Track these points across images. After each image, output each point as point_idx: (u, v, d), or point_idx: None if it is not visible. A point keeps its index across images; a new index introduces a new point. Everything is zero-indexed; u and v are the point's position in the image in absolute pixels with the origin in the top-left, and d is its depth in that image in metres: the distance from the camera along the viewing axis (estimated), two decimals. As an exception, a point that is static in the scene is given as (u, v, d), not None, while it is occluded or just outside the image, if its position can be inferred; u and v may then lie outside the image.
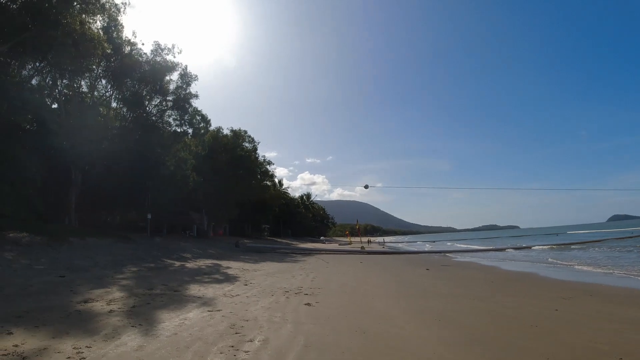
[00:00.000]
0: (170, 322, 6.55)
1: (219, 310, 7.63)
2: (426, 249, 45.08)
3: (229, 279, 13.35)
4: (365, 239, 75.04)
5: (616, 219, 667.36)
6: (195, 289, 10.49)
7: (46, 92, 30.40)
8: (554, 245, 40.11)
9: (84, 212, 32.42)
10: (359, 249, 40.69)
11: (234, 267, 18.20)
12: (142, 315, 7.00)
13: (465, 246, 47.91)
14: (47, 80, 29.41)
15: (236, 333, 5.93)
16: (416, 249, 46.21)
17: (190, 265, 18.49)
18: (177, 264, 18.74)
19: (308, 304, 8.57)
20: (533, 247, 37.94)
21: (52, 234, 19.87)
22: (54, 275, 11.55)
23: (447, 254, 33.78)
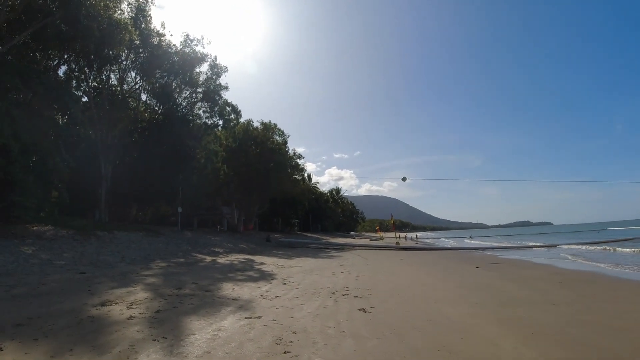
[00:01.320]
0: (202, 333, 5.26)
1: (259, 317, 6.31)
2: (463, 245, 42.93)
3: (265, 276, 12.08)
4: (401, 235, 73.07)
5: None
6: (229, 289, 9.25)
7: (74, 84, 30.07)
8: (596, 242, 37.19)
9: (115, 206, 32.01)
10: (394, 244, 38.94)
11: (267, 262, 17.00)
12: (167, 323, 5.75)
13: (503, 244, 45.32)
14: (75, 71, 29.01)
15: (285, 352, 4.56)
16: (452, 246, 44.08)
17: (221, 260, 17.41)
18: (208, 259, 17.69)
19: (363, 310, 7.15)
20: (577, 245, 35.20)
21: (79, 227, 19.25)
22: (73, 272, 10.57)
23: (488, 251, 31.72)
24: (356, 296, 8.68)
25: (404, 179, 35.77)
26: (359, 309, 7.22)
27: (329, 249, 33.81)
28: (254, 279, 11.27)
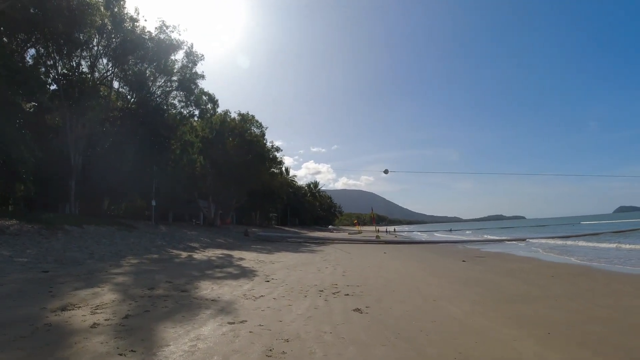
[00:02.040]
0: (177, 344, 4.46)
1: (243, 322, 5.54)
2: (442, 239, 42.96)
3: (246, 273, 11.27)
4: (382, 229, 72.95)
5: (623, 210, 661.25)
6: (207, 288, 8.42)
7: (42, 70, 28.38)
8: (571, 235, 37.77)
9: (86, 199, 30.50)
10: (374, 238, 38.63)
11: (247, 258, 16.17)
12: (136, 331, 4.92)
13: (483, 236, 45.63)
14: (43, 56, 27.33)
15: (279, 367, 3.84)
16: (432, 239, 44.08)
17: (198, 256, 16.48)
18: (184, 254, 16.73)
19: (358, 310, 6.47)
20: (552, 238, 35.58)
21: (46, 221, 18.02)
22: (36, 271, 9.53)
23: (467, 244, 31.71)
24: (347, 294, 8.00)
25: (386, 172, 35.34)
26: (353, 310, 6.53)
27: (309, 243, 33.15)
28: (235, 277, 10.45)
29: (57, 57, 28.03)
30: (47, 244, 14.09)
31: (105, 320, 5.39)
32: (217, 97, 36.30)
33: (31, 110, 30.40)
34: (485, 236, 44.40)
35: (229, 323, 5.47)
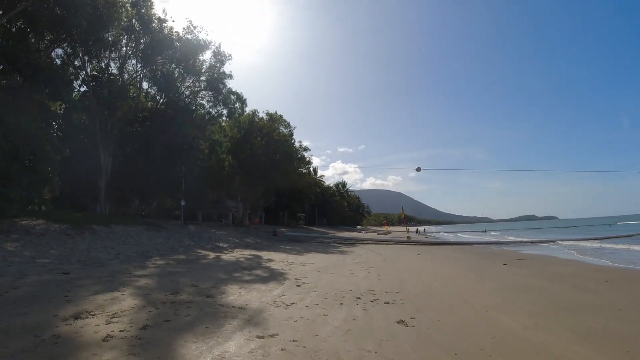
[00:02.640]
0: (198, 364, 3.82)
1: (274, 336, 4.86)
2: (474, 240, 41.36)
3: (275, 276, 10.63)
4: (412, 229, 71.59)
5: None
6: (234, 292, 7.81)
7: (71, 71, 28.72)
8: (615, 237, 35.61)
9: (116, 200, 30.77)
10: (405, 238, 37.49)
11: (276, 259, 15.56)
12: (153, 346, 4.31)
13: (519, 238, 43.71)
14: (71, 56, 27.63)
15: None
16: (464, 240, 42.52)
17: (226, 257, 15.99)
18: (212, 255, 16.28)
19: (403, 323, 5.70)
20: (593, 239, 33.57)
21: (73, 221, 17.93)
22: (56, 272, 9.16)
23: (501, 245, 30.27)
24: (387, 302, 7.22)
25: (418, 169, 34.22)
26: (397, 322, 5.76)
27: (338, 243, 32.39)
28: (263, 280, 9.82)
29: (86, 58, 28.34)
30: (72, 244, 13.87)
31: (120, 331, 4.81)
32: (245, 97, 35.88)
33: (60, 111, 30.93)
34: (522, 237, 42.55)
35: (258, 337, 4.80)
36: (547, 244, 30.30)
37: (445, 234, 71.74)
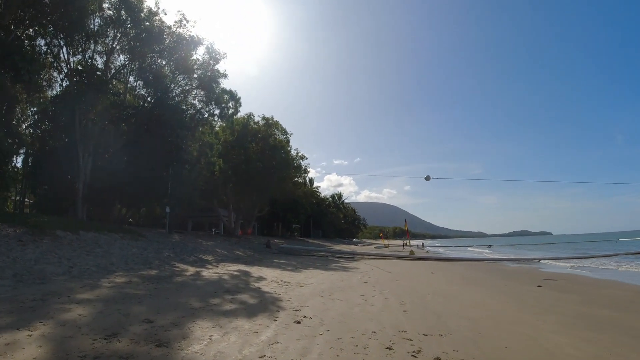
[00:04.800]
0: None
1: None
2: (480, 256, 38.82)
3: (266, 304, 7.98)
4: (414, 243, 69.08)
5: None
6: (202, 337, 5.20)
7: (54, 63, 26.32)
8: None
9: (95, 203, 28.00)
10: (408, 253, 34.92)
11: (269, 277, 12.93)
12: None
13: (532, 254, 41.15)
14: (54, 50, 25.28)
15: None
16: (471, 256, 39.94)
17: (208, 273, 13.32)
18: (191, 270, 13.62)
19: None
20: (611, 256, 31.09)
21: (34, 225, 15.28)
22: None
23: (511, 263, 27.75)
24: (438, 359, 4.66)
25: (427, 178, 31.77)
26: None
27: (336, 257, 29.74)
28: (249, 311, 7.17)
29: (69, 50, 25.94)
30: (19, 252, 11.18)
31: None
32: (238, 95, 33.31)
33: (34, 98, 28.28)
34: (533, 254, 39.98)
35: None
36: (568, 261, 27.72)
37: (441, 249, 69.26)
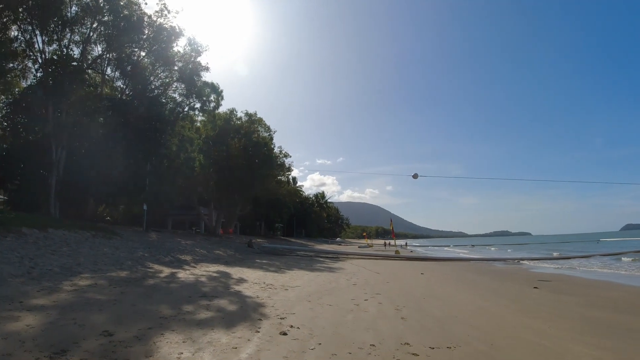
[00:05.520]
0: None
1: None
2: (467, 256, 38.51)
3: (247, 310, 7.08)
4: (400, 242, 68.76)
5: (629, 228, 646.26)
6: (169, 356, 4.30)
7: (28, 52, 24.92)
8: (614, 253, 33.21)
9: (68, 200, 26.57)
10: (393, 253, 34.28)
11: (250, 279, 12.02)
12: None
13: (516, 254, 41.00)
14: (26, 36, 23.93)
15: None
16: (457, 256, 39.60)
17: (184, 274, 12.33)
18: (166, 271, 12.63)
19: None
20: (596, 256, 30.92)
21: (-3, 222, 14.12)
22: None
23: (499, 262, 27.38)
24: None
25: (415, 176, 31.24)
26: None
27: (321, 257, 28.93)
28: (228, 320, 6.24)
29: (44, 38, 24.59)
30: (-28, 252, 10.08)
31: None
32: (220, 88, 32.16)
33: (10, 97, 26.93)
34: (510, 252, 39.81)
35: None
36: (555, 262, 27.37)
37: (424, 248, 69.26)
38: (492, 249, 59.12)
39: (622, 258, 27.99)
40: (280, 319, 6.41)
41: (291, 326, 5.90)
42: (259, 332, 5.49)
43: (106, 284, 8.96)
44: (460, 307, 8.49)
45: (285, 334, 5.44)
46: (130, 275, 10.79)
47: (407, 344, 5.20)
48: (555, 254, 35.29)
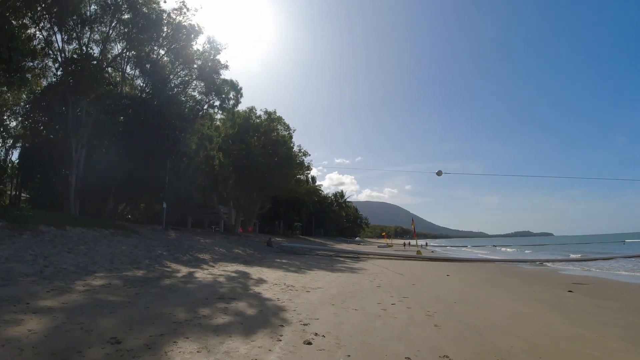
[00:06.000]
0: None
1: None
2: (490, 257, 37.29)
3: (267, 315, 6.59)
4: (421, 242, 67.69)
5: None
6: (183, 366, 3.87)
7: (51, 54, 25.07)
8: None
9: (90, 199, 26.66)
10: (415, 253, 33.47)
11: (270, 279, 11.56)
12: None
13: (543, 255, 39.66)
14: (45, 33, 24.03)
15: None
16: (479, 257, 38.46)
17: (202, 274, 11.94)
18: (184, 271, 12.27)
19: None
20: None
21: (15, 219, 13.99)
22: None
23: (524, 264, 26.33)
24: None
25: (439, 173, 30.35)
26: None
27: (341, 257, 28.36)
28: (246, 326, 5.75)
29: (63, 37, 24.68)
30: (-12, 250, 9.87)
31: None
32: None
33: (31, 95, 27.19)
34: (544, 255, 38.43)
35: None
36: (584, 263, 26.16)
37: (440, 248, 68.08)
38: (509, 250, 57.31)
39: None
40: (303, 325, 5.90)
41: (316, 334, 5.37)
42: (280, 340, 4.98)
43: (121, 284, 8.60)
44: (496, 313, 7.83)
45: (309, 343, 4.92)
46: (147, 275, 10.44)
47: (447, 356, 4.62)
48: (578, 256, 33.92)
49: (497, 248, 66.65)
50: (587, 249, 51.76)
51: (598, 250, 44.72)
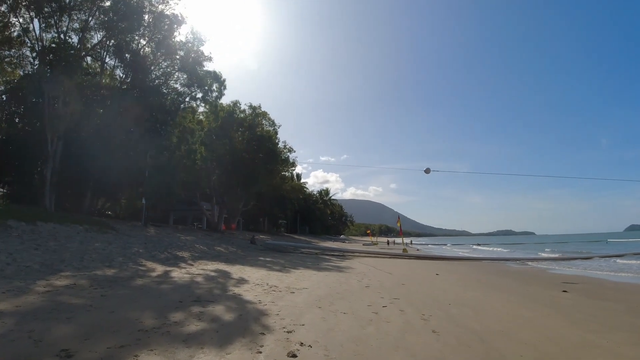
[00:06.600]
0: None
1: None
2: (475, 255, 37.10)
3: (247, 321, 5.87)
4: (406, 240, 67.62)
5: (634, 228, 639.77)
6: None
7: (19, 36, 23.95)
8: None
9: (67, 193, 25.55)
10: (401, 251, 33.07)
11: (252, 279, 10.86)
12: None
13: (530, 254, 39.68)
14: (24, 22, 22.97)
15: None
16: (467, 255, 38.17)
17: (179, 273, 11.17)
18: (159, 269, 11.48)
19: None
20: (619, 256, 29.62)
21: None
22: None
23: (512, 263, 26.12)
24: None
25: (427, 171, 29.94)
26: None
27: (326, 255, 27.75)
28: (222, 335, 5.02)
29: (41, 24, 23.62)
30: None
31: None
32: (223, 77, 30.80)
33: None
34: (517, 252, 38.46)
35: None
36: (570, 262, 26.03)
37: (421, 246, 68.24)
38: (497, 249, 57.46)
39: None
40: (287, 332, 5.24)
41: (301, 343, 4.72)
42: (260, 352, 4.31)
43: (87, 285, 7.83)
44: (495, 316, 7.30)
45: (294, 355, 4.26)
46: (118, 274, 9.65)
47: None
48: (557, 255, 34.12)
49: (474, 247, 67.11)
50: (566, 248, 52.20)
51: (578, 249, 44.99)
